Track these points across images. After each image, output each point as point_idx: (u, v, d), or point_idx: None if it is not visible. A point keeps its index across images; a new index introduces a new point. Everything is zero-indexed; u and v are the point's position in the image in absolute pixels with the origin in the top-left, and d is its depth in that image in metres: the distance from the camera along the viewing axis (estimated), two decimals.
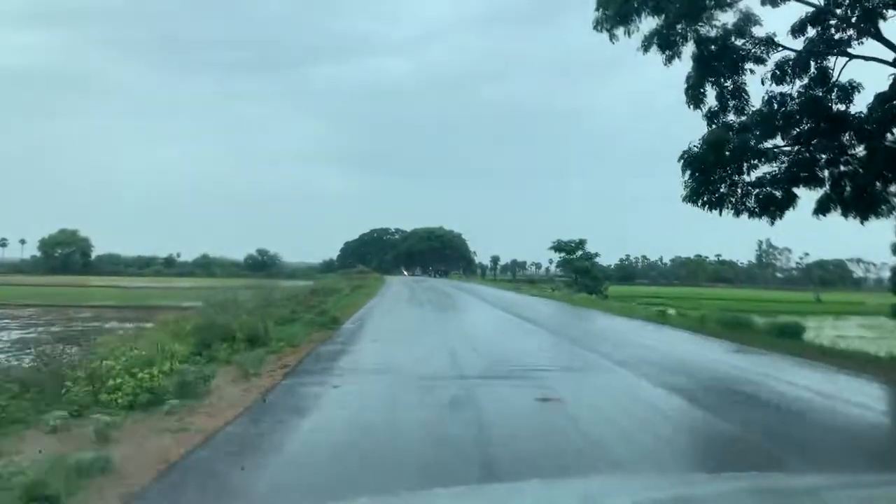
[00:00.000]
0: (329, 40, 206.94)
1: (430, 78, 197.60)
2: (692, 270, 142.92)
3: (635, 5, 15.47)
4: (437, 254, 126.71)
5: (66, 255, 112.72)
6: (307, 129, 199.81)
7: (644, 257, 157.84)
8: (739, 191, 15.82)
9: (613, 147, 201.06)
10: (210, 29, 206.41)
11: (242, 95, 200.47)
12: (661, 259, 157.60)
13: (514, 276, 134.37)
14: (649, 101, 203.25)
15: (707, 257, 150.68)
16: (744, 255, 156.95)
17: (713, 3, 15.69)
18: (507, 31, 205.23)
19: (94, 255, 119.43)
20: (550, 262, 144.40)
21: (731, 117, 16.26)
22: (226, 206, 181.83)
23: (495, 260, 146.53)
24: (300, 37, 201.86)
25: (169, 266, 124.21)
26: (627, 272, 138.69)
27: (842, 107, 15.28)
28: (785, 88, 15.58)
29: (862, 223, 15.19)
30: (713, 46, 15.81)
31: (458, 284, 71.96)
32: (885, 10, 14.45)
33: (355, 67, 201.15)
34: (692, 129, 16.20)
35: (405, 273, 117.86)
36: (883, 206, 14.93)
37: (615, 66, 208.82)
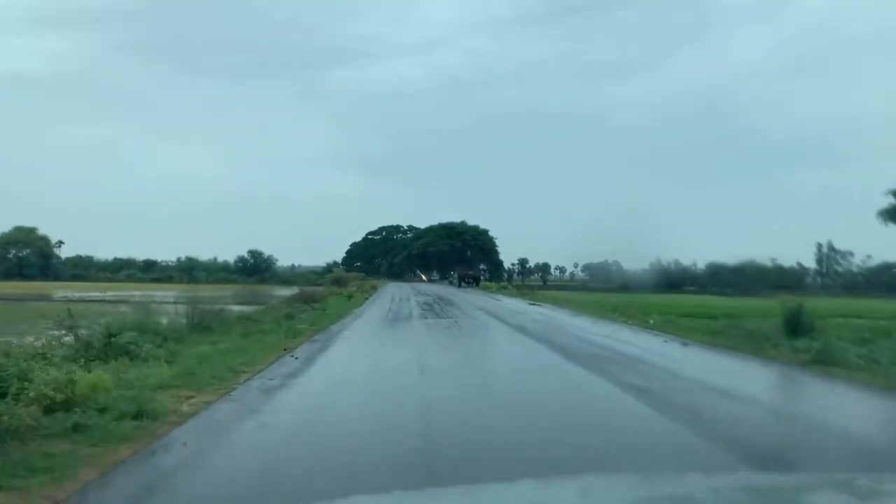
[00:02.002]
0: (341, 42, 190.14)
1: (444, 80, 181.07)
2: (748, 277, 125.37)
3: None
4: (458, 254, 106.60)
5: (20, 256, 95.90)
6: (319, 132, 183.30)
7: (677, 262, 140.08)
8: None
9: (631, 149, 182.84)
10: (219, 31, 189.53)
11: (252, 98, 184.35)
12: (694, 264, 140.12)
13: (544, 282, 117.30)
14: (676, 99, 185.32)
15: (754, 260, 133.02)
16: (793, 257, 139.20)
17: None
18: (523, 32, 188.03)
19: (63, 258, 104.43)
20: (575, 265, 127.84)
21: None
22: (234, 210, 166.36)
23: (523, 263, 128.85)
24: (312, 39, 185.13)
25: (147, 270, 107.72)
26: (667, 279, 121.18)
27: None
28: None
29: None
30: None
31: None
32: None
33: (368, 70, 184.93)
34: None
35: (423, 279, 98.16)
36: None
37: (631, 68, 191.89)
